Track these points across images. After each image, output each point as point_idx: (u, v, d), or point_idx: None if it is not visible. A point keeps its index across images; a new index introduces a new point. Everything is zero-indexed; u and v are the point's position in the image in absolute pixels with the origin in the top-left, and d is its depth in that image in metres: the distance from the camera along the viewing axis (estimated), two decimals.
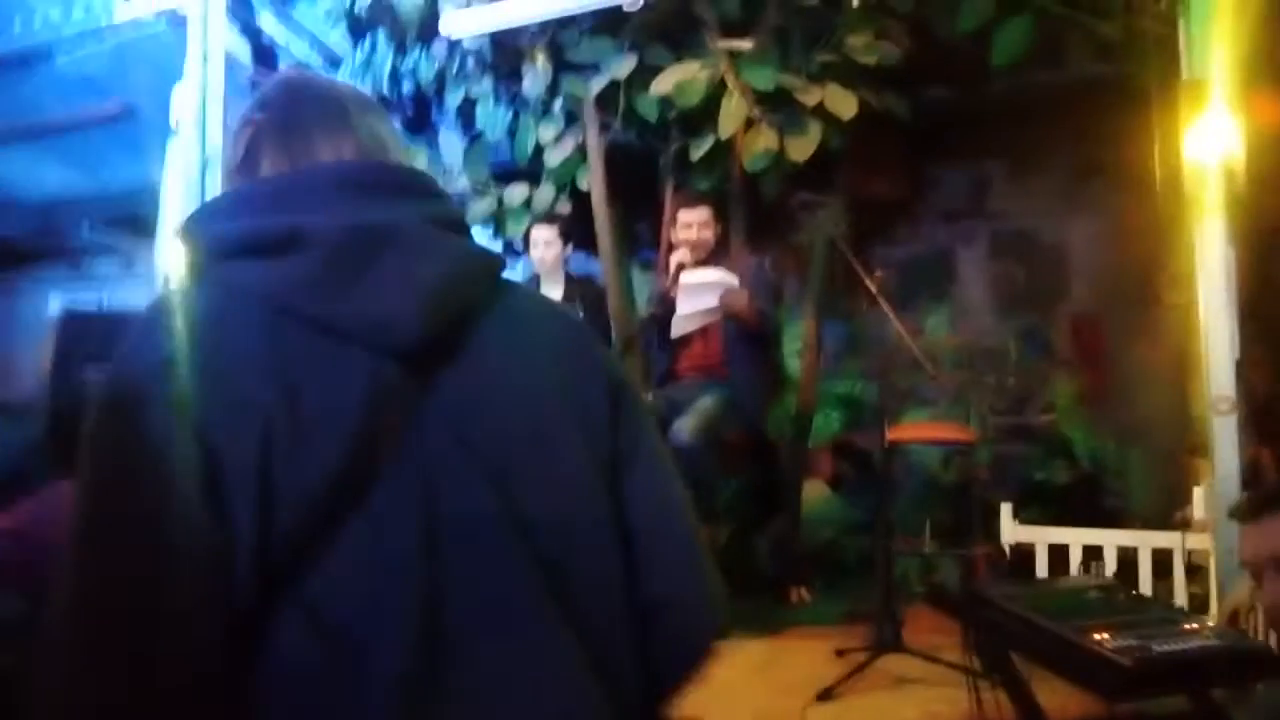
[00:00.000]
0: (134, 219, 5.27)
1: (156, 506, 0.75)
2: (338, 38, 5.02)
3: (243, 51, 5.07)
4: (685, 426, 3.26)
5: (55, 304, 6.27)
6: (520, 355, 0.91)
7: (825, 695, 2.61)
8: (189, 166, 3.96)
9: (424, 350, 0.83)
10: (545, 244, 3.92)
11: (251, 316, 0.81)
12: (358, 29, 4.84)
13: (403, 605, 0.79)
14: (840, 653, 2.94)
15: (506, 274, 0.97)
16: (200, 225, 0.89)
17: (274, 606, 0.76)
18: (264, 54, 5.29)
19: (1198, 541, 2.93)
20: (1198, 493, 3.00)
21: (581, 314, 3.89)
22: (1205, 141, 2.75)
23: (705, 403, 3.37)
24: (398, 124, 5.13)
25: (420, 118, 4.99)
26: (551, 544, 0.86)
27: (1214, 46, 2.78)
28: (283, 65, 5.30)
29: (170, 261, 3.90)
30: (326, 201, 0.86)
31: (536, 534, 0.85)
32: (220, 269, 0.84)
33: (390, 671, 0.77)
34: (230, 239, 0.85)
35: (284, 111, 0.95)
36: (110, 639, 0.74)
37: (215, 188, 4.00)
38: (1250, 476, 2.79)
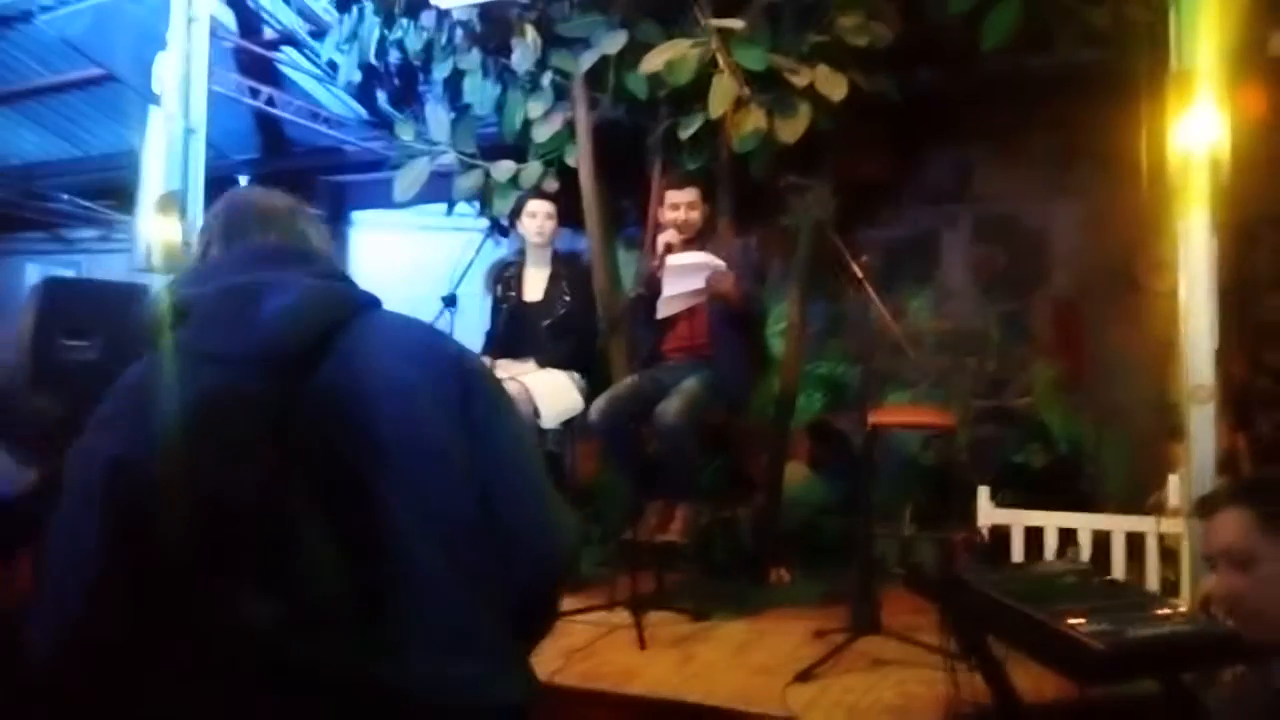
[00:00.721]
0: (114, 187, 5.21)
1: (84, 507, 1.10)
2: (324, 5, 4.96)
3: (227, 18, 5.00)
4: (670, 408, 3.28)
5: (34, 273, 6.20)
6: (380, 355, 1.19)
7: (804, 676, 2.64)
8: (171, 135, 3.91)
9: (292, 358, 1.14)
10: (546, 215, 3.89)
11: (174, 364, 1.15)
12: None
13: (315, 552, 1.08)
14: (819, 634, 2.97)
15: (380, 300, 1.28)
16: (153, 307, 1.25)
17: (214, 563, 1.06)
18: (249, 20, 5.22)
19: (1171, 526, 2.99)
20: (1172, 479, 3.04)
21: (567, 293, 3.88)
22: (1192, 132, 2.77)
23: (690, 384, 3.38)
24: (384, 96, 5.10)
25: (407, 90, 4.95)
26: (425, 500, 1.13)
27: (1202, 37, 2.79)
28: (267, 35, 5.24)
29: (149, 231, 3.86)
30: (220, 274, 1.22)
31: (411, 493, 1.13)
32: (164, 336, 1.18)
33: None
34: (161, 316, 1.19)
35: (229, 217, 1.32)
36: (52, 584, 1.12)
37: (197, 157, 3.96)
38: (1226, 464, 2.84)
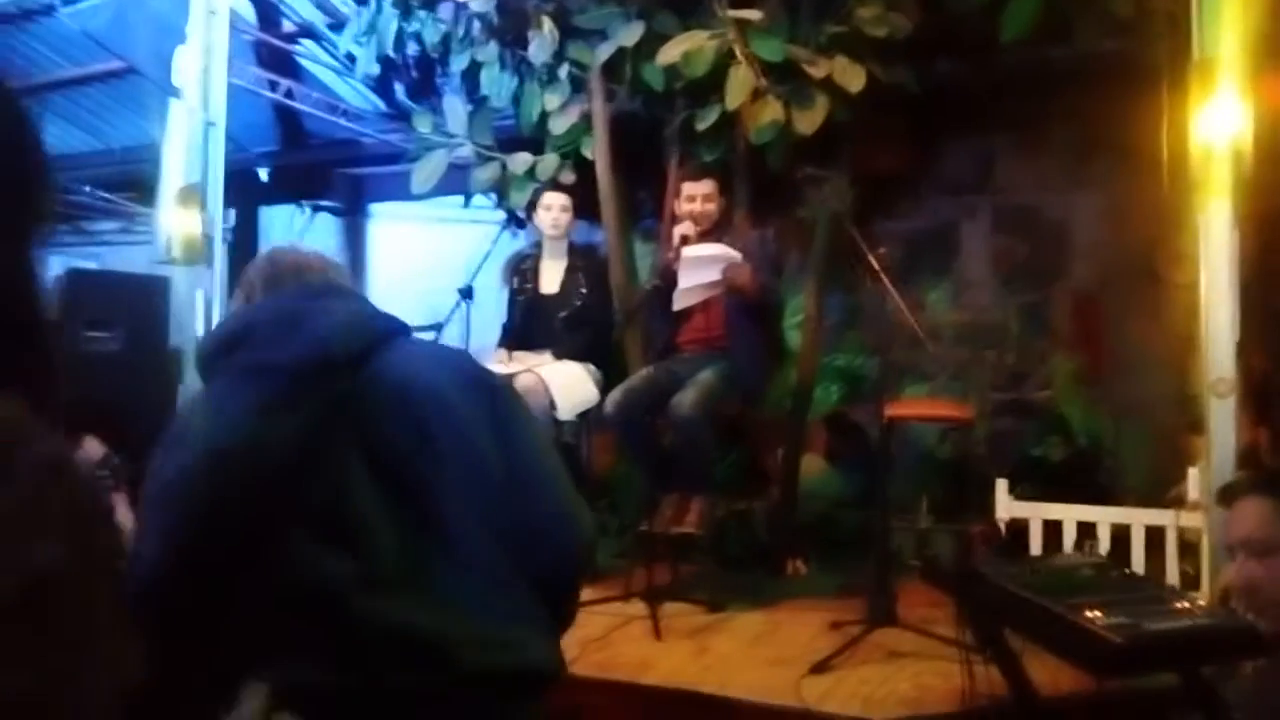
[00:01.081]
0: (134, 179, 5.25)
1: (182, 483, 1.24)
2: None
3: (247, 11, 5.03)
4: (686, 400, 3.28)
5: (57, 265, 6.26)
6: (419, 367, 1.37)
7: (820, 667, 2.64)
8: (191, 128, 3.94)
9: (340, 368, 1.30)
10: (561, 208, 3.90)
11: (235, 380, 1.30)
12: None
13: (374, 523, 1.25)
14: (835, 625, 2.97)
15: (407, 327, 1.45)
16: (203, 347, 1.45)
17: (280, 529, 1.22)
18: (267, 13, 5.25)
19: (1190, 520, 2.96)
20: (1192, 473, 3.02)
21: (584, 285, 3.89)
22: (1214, 122, 2.74)
23: (706, 376, 3.38)
24: (402, 89, 5.12)
25: (424, 82, 4.96)
26: (469, 488, 1.30)
27: (1225, 27, 2.76)
28: (286, 28, 5.26)
29: (169, 223, 3.89)
30: (270, 306, 1.40)
31: (457, 481, 1.29)
32: (220, 362, 1.34)
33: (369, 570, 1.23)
34: (219, 340, 1.38)
35: (270, 269, 1.49)
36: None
37: (217, 150, 3.99)
38: (1246, 457, 2.82)
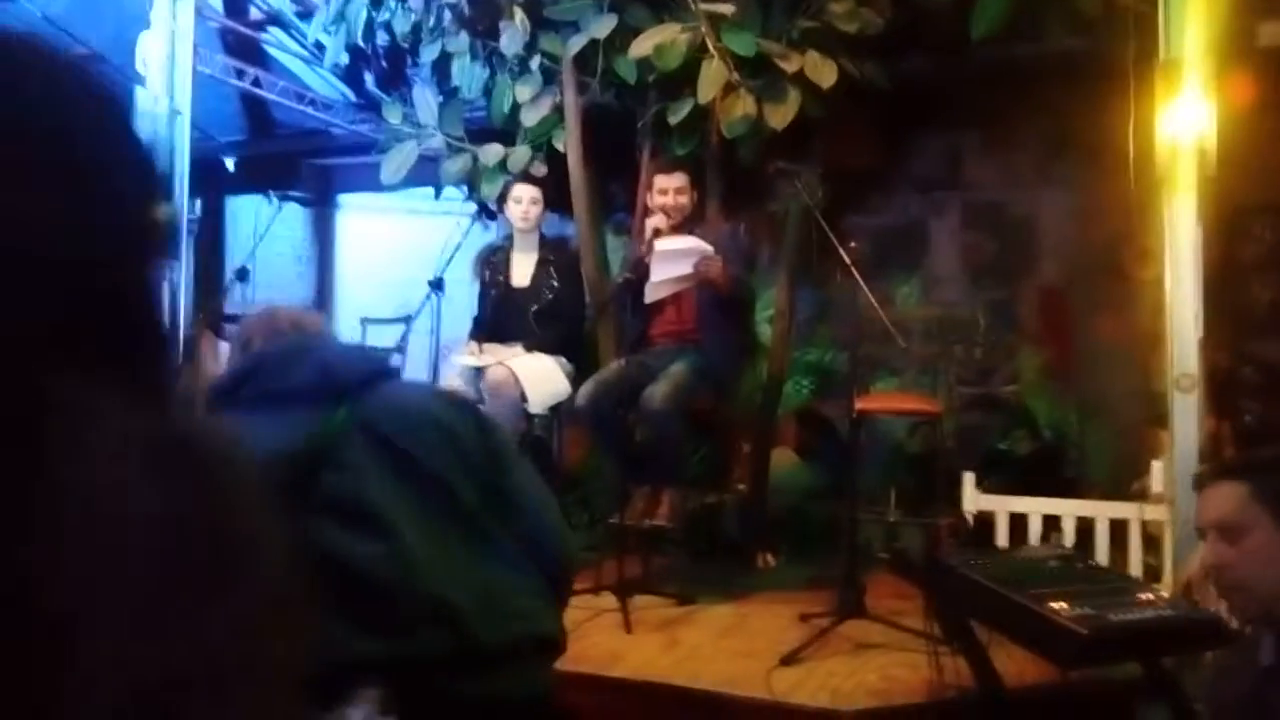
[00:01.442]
0: None
1: None
2: None
3: None
4: (657, 393, 3.28)
5: None
6: (416, 398, 1.55)
7: (789, 659, 2.65)
8: (156, 116, 3.87)
9: (344, 393, 1.43)
10: (531, 200, 3.87)
11: (243, 404, 1.44)
12: None
13: (392, 514, 1.38)
14: (804, 617, 2.99)
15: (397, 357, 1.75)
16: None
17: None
18: (235, 0, 5.17)
19: (1154, 513, 3.01)
20: (1156, 466, 3.07)
21: (555, 278, 3.87)
22: (1179, 121, 2.78)
23: (677, 369, 3.38)
24: (372, 78, 5.07)
25: (394, 72, 4.91)
26: (480, 489, 1.46)
27: (1191, 27, 2.80)
28: (253, 15, 5.19)
29: None
30: (275, 343, 1.57)
31: (470, 482, 1.45)
32: (230, 396, 1.46)
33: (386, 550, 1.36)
34: (233, 377, 1.51)
35: (270, 323, 1.63)
36: None
37: (182, 139, 3.92)
38: (1209, 449, 2.86)
